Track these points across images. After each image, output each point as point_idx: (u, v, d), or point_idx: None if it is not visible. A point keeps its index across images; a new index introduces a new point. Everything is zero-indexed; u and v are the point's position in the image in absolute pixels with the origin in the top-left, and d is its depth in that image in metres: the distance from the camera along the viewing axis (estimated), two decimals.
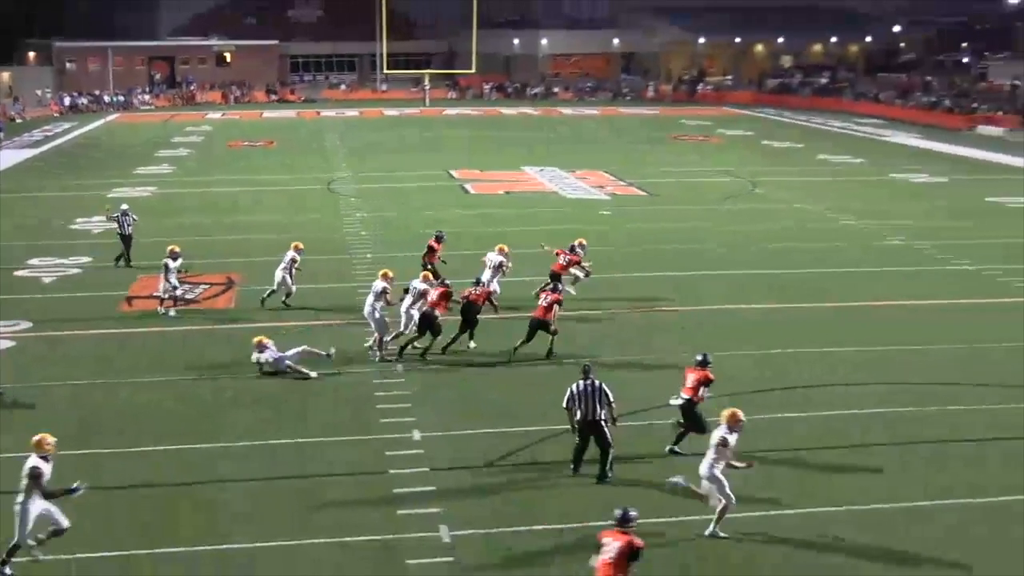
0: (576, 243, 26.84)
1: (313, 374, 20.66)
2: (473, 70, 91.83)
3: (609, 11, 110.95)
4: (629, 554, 11.55)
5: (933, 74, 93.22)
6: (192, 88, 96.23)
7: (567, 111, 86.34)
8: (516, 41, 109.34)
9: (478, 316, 22.38)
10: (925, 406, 19.24)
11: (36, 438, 13.42)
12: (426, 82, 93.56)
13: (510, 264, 25.63)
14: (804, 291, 27.39)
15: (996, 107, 74.26)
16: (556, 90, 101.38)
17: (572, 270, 26.34)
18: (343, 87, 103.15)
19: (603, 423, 15.91)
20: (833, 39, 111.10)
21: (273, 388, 20.20)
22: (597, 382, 16.05)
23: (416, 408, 19.02)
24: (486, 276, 24.65)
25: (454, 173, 49.59)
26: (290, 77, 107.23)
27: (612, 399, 16.01)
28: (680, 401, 16.84)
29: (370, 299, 21.96)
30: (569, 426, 16.20)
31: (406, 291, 22.40)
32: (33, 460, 13.22)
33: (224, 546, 14.05)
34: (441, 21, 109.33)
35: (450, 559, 13.75)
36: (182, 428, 18.18)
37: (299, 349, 21.00)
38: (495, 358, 21.94)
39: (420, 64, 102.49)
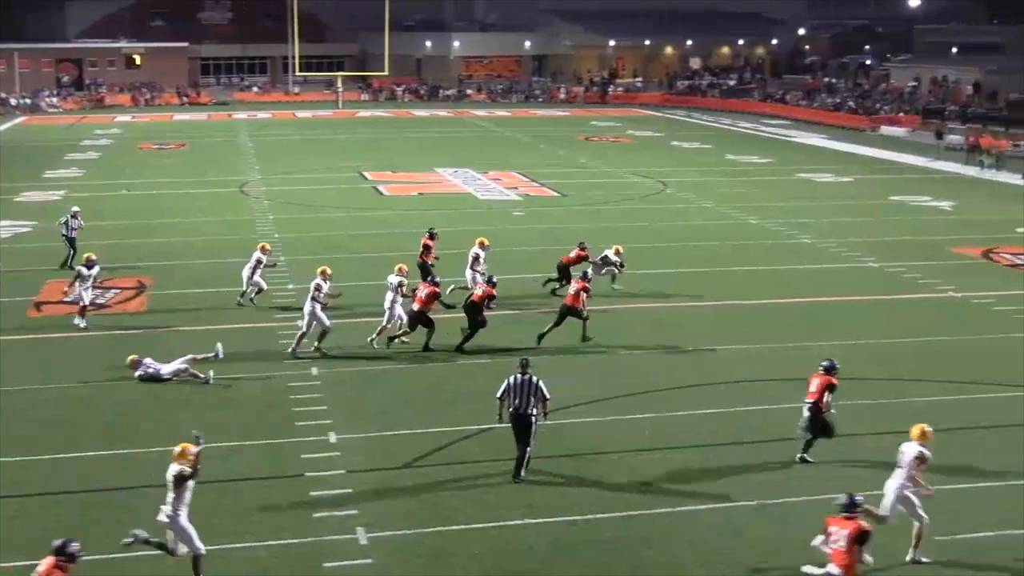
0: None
1: (209, 376, 20.55)
2: (386, 72, 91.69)
3: (520, 14, 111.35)
4: (858, 538, 11.81)
5: (837, 76, 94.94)
6: (101, 90, 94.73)
7: (479, 112, 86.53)
8: (428, 43, 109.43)
9: (483, 318, 22.61)
10: (834, 401, 19.68)
11: (178, 448, 13.21)
12: (339, 84, 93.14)
13: (485, 264, 25.95)
14: (714, 289, 27.80)
15: (898, 108, 75.89)
16: (469, 92, 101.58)
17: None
18: (255, 89, 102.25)
19: (533, 418, 16.09)
20: (740, 41, 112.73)
21: (186, 393, 20.07)
22: (534, 378, 16.20)
23: (332, 410, 19.05)
24: (468, 271, 25.40)
25: (367, 175, 49.53)
26: (201, 79, 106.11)
27: (547, 395, 16.18)
28: (806, 411, 16.83)
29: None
30: (497, 415, 16.36)
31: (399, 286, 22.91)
32: (177, 468, 13.01)
33: (142, 552, 13.97)
34: (353, 23, 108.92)
35: (368, 561, 13.80)
36: (95, 435, 18.01)
37: (182, 362, 20.74)
38: (414, 357, 22.06)
39: (332, 66, 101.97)
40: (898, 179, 49.53)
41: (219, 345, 21.11)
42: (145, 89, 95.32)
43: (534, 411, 16.08)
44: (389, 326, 22.83)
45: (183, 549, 13.07)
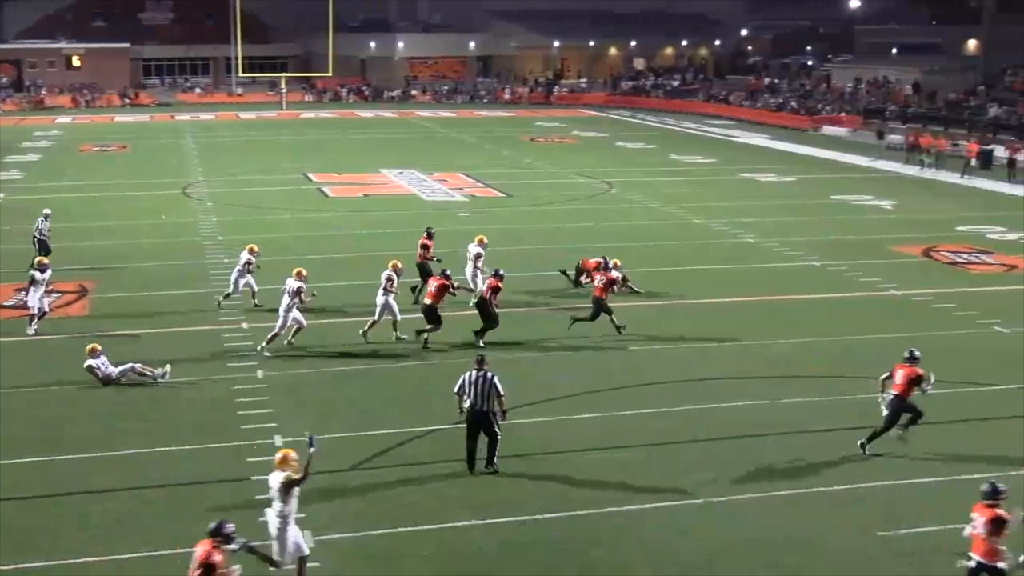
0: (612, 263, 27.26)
1: (156, 373, 20.41)
2: (330, 73, 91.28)
3: (464, 15, 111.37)
4: (994, 524, 11.96)
5: (779, 76, 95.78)
6: (41, 92, 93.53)
7: (424, 113, 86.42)
8: (372, 44, 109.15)
9: (491, 312, 22.96)
10: (778, 399, 19.91)
11: (279, 455, 13.06)
12: (282, 85, 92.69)
13: (481, 262, 26.05)
14: (660, 288, 27.92)
15: (839, 108, 76.70)
16: (414, 93, 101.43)
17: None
18: (198, 90, 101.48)
19: (491, 415, 16.18)
20: (684, 42, 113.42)
21: (132, 396, 19.91)
22: (490, 374, 16.27)
23: (278, 412, 18.96)
24: (468, 270, 25.46)
25: (312, 176, 49.32)
26: (143, 80, 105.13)
27: (502, 392, 16.25)
28: (885, 401, 17.04)
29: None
30: (459, 410, 16.45)
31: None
32: (282, 475, 12.82)
33: (90, 559, 13.87)
34: (297, 24, 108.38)
35: (316, 564, 13.71)
36: (41, 439, 17.79)
37: (127, 366, 20.57)
38: (358, 359, 22.01)
39: (276, 67, 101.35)
40: (840, 179, 50.07)
41: (168, 367, 20.88)
42: (86, 90, 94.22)
43: (492, 408, 16.19)
44: (380, 320, 23.08)
45: (288, 560, 12.82)
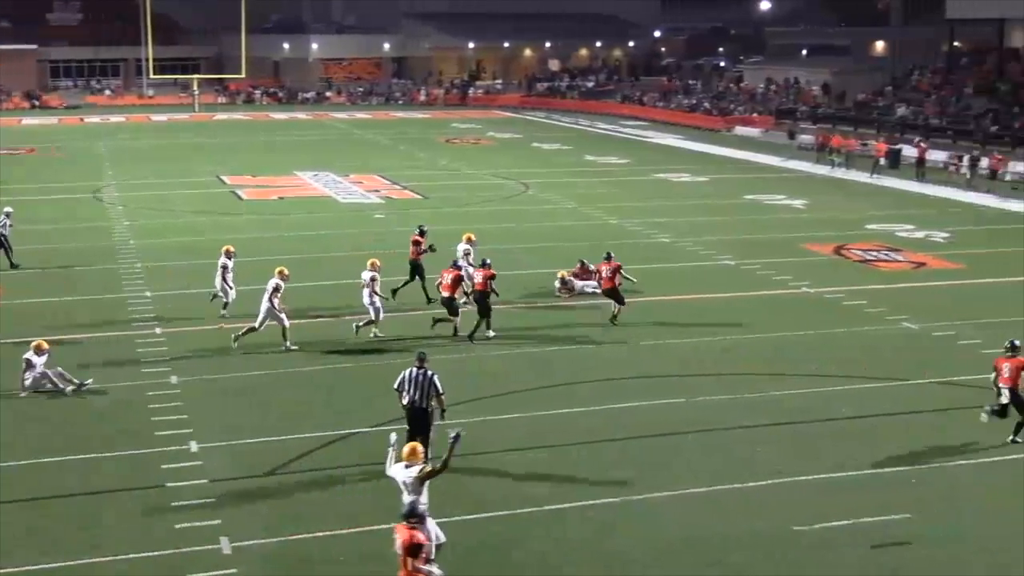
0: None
1: (69, 389, 20.05)
2: (243, 75, 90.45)
3: (378, 16, 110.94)
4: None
5: (692, 77, 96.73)
6: None
7: (339, 115, 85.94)
8: (286, 45, 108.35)
9: (489, 303, 23.47)
10: (691, 396, 20.10)
11: (407, 449, 12.99)
12: (195, 87, 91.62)
13: (472, 259, 26.18)
14: None
15: (752, 109, 77.66)
16: (328, 94, 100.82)
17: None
18: (107, 92, 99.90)
19: (429, 412, 16.18)
20: (598, 44, 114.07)
21: (43, 404, 19.53)
22: (429, 372, 16.26)
23: (193, 419, 18.71)
24: (462, 267, 25.44)
25: (226, 179, 48.82)
26: (51, 82, 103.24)
27: (441, 390, 16.24)
28: (1006, 396, 17.14)
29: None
30: (400, 405, 16.42)
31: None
32: (412, 470, 12.78)
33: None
34: (209, 25, 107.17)
35: (232, 571, 13.59)
36: None
37: (52, 371, 20.17)
38: (274, 363, 21.83)
39: (188, 69, 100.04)
40: (752, 178, 50.71)
41: (90, 380, 20.46)
42: None
43: (430, 406, 16.20)
44: (378, 320, 23.29)
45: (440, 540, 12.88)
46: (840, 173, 51.78)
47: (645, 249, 33.52)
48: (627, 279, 25.52)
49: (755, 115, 75.48)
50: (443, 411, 16.53)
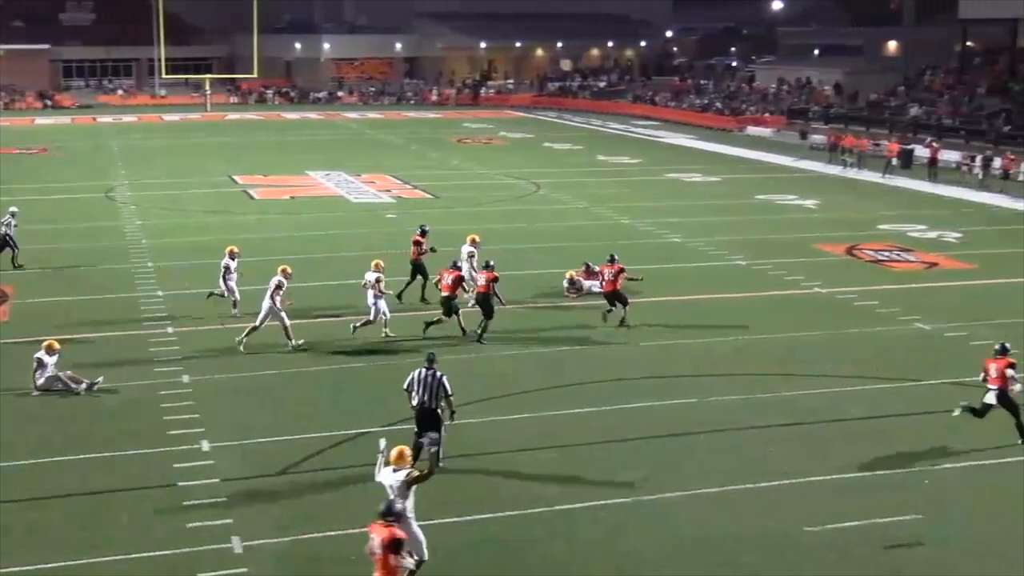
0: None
1: (81, 387, 20.10)
2: (255, 74, 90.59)
3: (390, 16, 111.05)
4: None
5: (704, 77, 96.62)
6: None
7: (351, 115, 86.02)
8: (298, 45, 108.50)
9: (492, 305, 23.36)
10: (703, 396, 20.06)
11: (395, 452, 12.86)
12: (206, 87, 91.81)
13: (475, 261, 26.01)
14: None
15: (764, 109, 77.53)
16: (340, 94, 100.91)
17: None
18: (120, 92, 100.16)
19: (439, 412, 16.16)
20: (610, 43, 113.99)
21: (55, 403, 19.59)
22: (439, 373, 16.24)
23: (205, 417, 18.74)
24: (465, 269, 25.31)
25: (237, 179, 48.90)
26: (63, 82, 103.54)
27: (451, 392, 16.22)
28: (992, 398, 17.14)
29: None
30: (410, 405, 16.41)
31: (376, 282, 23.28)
32: (399, 474, 12.70)
33: (8, 569, 13.60)
34: (221, 25, 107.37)
35: (243, 570, 13.62)
36: None
37: (63, 373, 20.20)
38: (285, 362, 21.87)
39: (200, 69, 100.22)
40: (764, 178, 50.62)
41: (100, 378, 20.49)
42: (4, 92, 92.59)
43: (438, 406, 16.18)
44: (375, 320, 23.19)
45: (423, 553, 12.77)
46: (852, 173, 51.67)
47: (657, 249, 33.48)
48: (631, 279, 25.44)
49: (767, 115, 75.37)
50: (452, 412, 16.51)
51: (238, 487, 16.03)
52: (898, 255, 33.01)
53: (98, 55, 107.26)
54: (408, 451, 13.16)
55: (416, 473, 12.91)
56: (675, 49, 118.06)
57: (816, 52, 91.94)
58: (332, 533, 14.59)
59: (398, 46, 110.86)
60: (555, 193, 44.78)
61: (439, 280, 23.76)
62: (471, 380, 20.14)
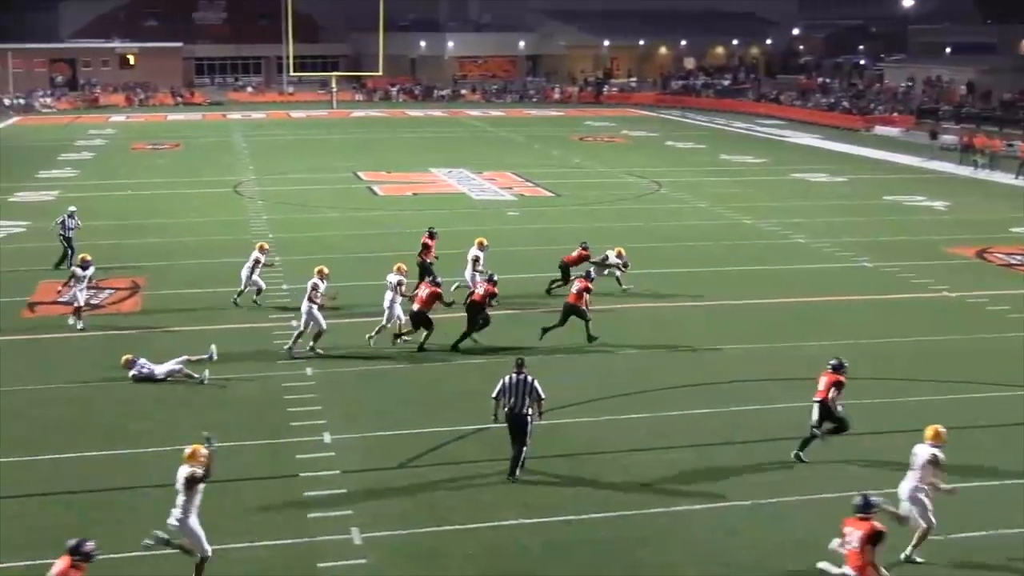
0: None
1: (204, 376, 20.53)
2: (380, 72, 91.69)
3: (514, 14, 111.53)
4: (871, 538, 11.81)
5: (831, 76, 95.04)
6: (95, 90, 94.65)
7: (474, 113, 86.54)
8: (423, 43, 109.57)
9: (486, 315, 22.73)
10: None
11: (188, 450, 13.09)
12: (333, 84, 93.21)
13: (480, 265, 25.80)
14: (710, 289, 27.78)
15: (892, 108, 75.97)
16: (463, 92, 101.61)
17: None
18: (249, 89, 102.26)
19: (529, 418, 16.10)
20: (734, 42, 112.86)
21: (182, 393, 20.07)
22: (529, 377, 16.21)
23: (327, 410, 19.03)
24: (467, 272, 25.42)
25: (361, 175, 49.52)
26: (195, 79, 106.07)
27: (542, 395, 16.19)
28: (815, 410, 16.90)
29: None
30: (492, 415, 16.44)
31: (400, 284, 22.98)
32: (188, 470, 12.92)
33: (137, 553, 13.95)
34: (348, 23, 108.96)
35: (362, 561, 13.80)
36: (94, 435, 17.98)
37: (176, 363, 20.69)
38: (410, 357, 22.07)
39: (327, 66, 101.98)
40: (892, 179, 49.59)
41: (213, 347, 21.04)
42: (139, 89, 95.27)
43: (529, 411, 16.09)
44: (389, 325, 22.91)
45: (207, 550, 12.96)
46: (984, 174, 50.35)
47: (780, 250, 33.05)
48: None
49: (895, 114, 73.80)
50: (540, 413, 16.43)
51: (359, 479, 16.23)
52: None
53: (228, 53, 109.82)
54: (202, 449, 13.05)
55: (198, 473, 12.87)
56: (801, 47, 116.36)
57: (948, 50, 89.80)
58: (451, 527, 14.69)
59: (521, 44, 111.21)
60: (676, 192, 44.46)
61: (414, 295, 22.82)
62: (600, 378, 20.10)
